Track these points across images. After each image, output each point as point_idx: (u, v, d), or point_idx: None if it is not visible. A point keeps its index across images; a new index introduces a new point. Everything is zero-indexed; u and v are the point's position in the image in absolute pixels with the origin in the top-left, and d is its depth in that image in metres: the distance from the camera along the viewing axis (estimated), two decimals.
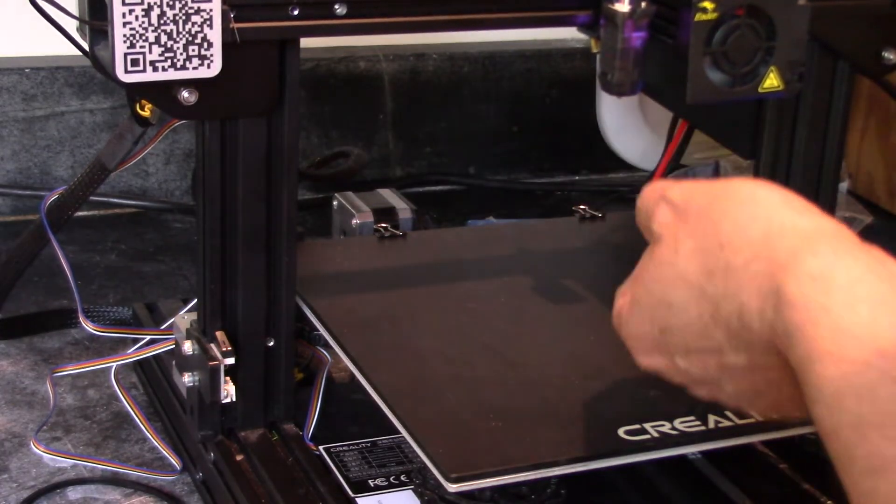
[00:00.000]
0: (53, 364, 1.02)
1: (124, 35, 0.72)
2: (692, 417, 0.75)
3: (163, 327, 0.96)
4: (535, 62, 1.49)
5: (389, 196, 1.05)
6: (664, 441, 0.73)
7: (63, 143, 1.33)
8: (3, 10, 1.32)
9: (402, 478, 0.82)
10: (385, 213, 1.02)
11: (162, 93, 0.75)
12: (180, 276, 1.22)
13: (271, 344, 0.85)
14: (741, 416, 0.75)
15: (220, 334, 0.83)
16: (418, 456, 0.72)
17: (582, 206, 1.05)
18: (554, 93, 1.51)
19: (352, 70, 1.42)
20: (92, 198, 1.06)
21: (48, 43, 1.26)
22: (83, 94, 1.33)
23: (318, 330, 0.86)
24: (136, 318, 1.06)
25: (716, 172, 1.33)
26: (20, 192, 1.32)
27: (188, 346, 0.85)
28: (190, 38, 0.73)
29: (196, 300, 0.87)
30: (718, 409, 0.75)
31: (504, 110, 1.49)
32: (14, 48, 1.34)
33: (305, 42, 0.79)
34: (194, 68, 0.74)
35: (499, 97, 1.48)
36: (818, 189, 0.96)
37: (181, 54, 0.73)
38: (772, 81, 0.79)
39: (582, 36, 0.84)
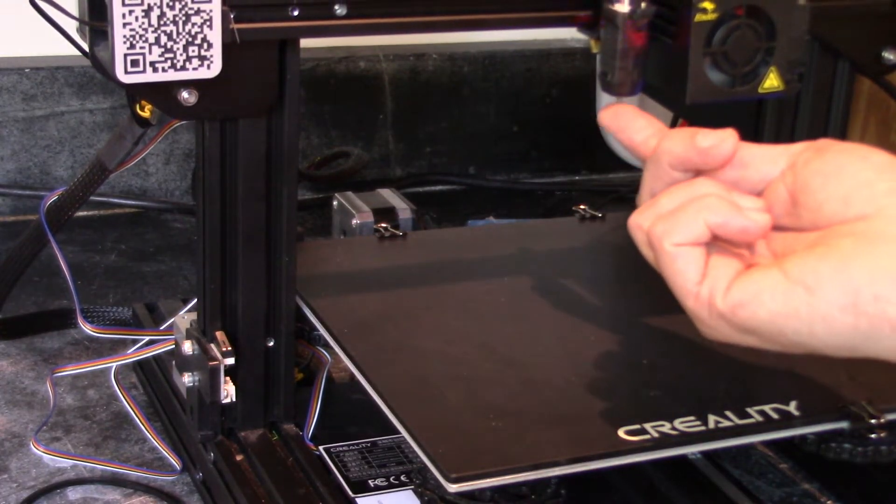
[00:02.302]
0: (53, 364, 1.02)
1: (124, 36, 0.72)
2: (692, 417, 0.74)
3: (163, 327, 0.96)
4: (535, 62, 1.49)
5: (389, 196, 1.05)
6: (664, 441, 0.72)
7: (63, 143, 1.33)
8: (3, 11, 1.32)
9: (402, 478, 0.82)
10: (385, 213, 1.01)
11: (162, 93, 0.75)
12: (180, 276, 1.22)
13: (271, 344, 0.85)
14: (741, 416, 0.75)
15: (220, 334, 0.83)
16: (418, 456, 0.72)
17: (582, 206, 1.05)
18: (554, 93, 1.51)
19: (352, 70, 1.42)
20: (92, 198, 1.06)
21: (48, 43, 1.26)
22: (83, 94, 1.33)
23: (318, 330, 0.86)
24: (136, 318, 1.06)
25: None
26: (20, 192, 1.32)
27: (188, 346, 0.85)
28: (190, 39, 0.73)
29: (196, 300, 0.87)
30: (718, 409, 0.75)
31: (504, 110, 1.49)
32: (14, 48, 1.34)
33: (305, 42, 0.79)
34: (194, 69, 0.74)
35: (499, 97, 1.48)
36: None
37: (181, 55, 0.73)
38: (772, 81, 0.79)
39: (582, 36, 0.84)
